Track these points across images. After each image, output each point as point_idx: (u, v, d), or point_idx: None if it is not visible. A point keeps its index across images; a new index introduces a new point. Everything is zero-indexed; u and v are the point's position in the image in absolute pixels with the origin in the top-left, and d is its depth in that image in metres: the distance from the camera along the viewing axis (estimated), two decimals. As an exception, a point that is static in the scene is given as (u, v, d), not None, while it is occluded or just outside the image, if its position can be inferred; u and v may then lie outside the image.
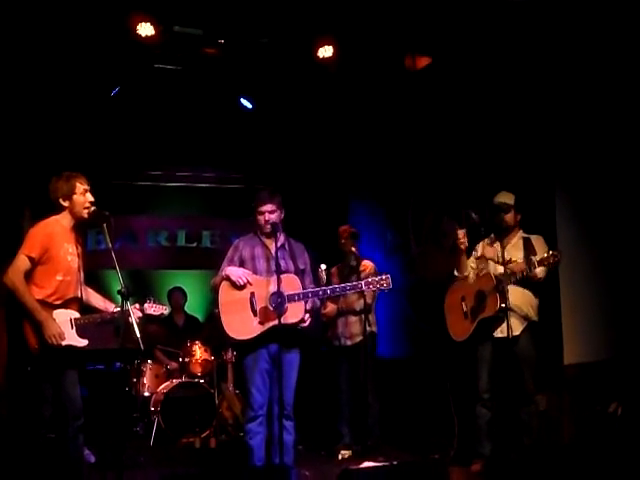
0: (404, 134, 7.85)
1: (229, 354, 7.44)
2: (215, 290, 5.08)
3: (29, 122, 7.43)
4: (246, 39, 6.83)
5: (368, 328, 6.33)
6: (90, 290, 4.96)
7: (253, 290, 4.97)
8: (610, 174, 5.80)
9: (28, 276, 4.53)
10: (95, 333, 4.76)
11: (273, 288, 4.87)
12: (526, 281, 5.27)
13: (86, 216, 4.73)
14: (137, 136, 8.36)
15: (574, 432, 5.59)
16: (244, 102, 8.14)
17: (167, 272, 9.39)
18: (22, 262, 4.51)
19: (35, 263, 4.54)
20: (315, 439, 7.03)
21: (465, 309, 5.55)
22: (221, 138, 8.64)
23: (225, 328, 4.96)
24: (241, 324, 4.94)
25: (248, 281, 4.98)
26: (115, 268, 4.57)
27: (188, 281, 8.85)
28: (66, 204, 4.69)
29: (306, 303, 4.98)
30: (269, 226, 5.07)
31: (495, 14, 6.01)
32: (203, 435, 7.20)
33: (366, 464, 5.23)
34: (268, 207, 5.09)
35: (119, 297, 4.56)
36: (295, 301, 4.88)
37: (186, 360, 7.54)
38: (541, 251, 5.23)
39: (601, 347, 5.78)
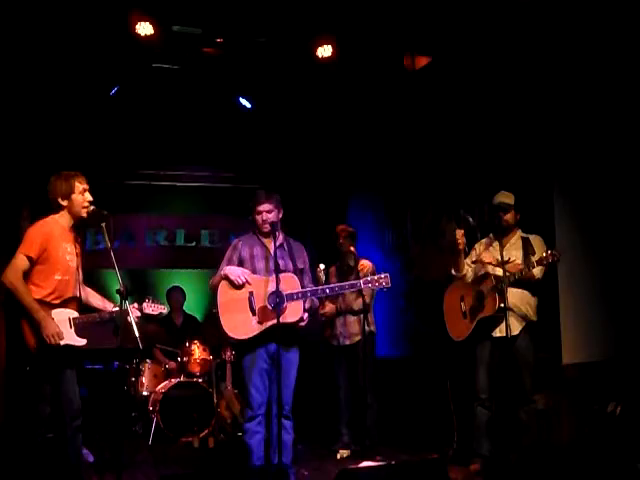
0: (403, 134, 7.84)
1: (228, 353, 7.43)
2: (214, 290, 5.08)
3: (28, 121, 7.43)
4: (245, 38, 6.83)
5: (367, 328, 6.33)
6: (89, 289, 4.96)
7: (252, 289, 4.97)
8: (609, 174, 5.80)
9: (27, 275, 4.52)
10: (94, 332, 4.76)
11: (272, 287, 4.86)
12: (523, 281, 5.27)
13: (85, 215, 4.72)
14: (136, 135, 8.36)
15: (573, 432, 5.59)
16: (243, 101, 8.13)
17: (166, 271, 9.39)
18: (20, 261, 4.51)
19: (33, 262, 4.53)
20: (314, 439, 7.03)
21: (464, 309, 5.55)
22: (220, 137, 8.64)
23: (224, 327, 4.96)
24: (240, 323, 4.94)
25: (247, 280, 4.98)
26: (114, 267, 4.57)
27: (187, 280, 8.85)
28: (65, 203, 4.69)
29: (305, 302, 4.98)
30: (267, 225, 5.07)
31: (494, 14, 6.01)
32: (202, 435, 7.20)
33: (365, 464, 5.22)
34: (266, 207, 5.09)
35: (118, 296, 4.56)
36: (294, 300, 4.88)
37: (185, 359, 7.54)
38: (540, 251, 5.24)
39: (600, 347, 5.78)
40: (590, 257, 5.89)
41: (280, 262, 4.95)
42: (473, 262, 5.61)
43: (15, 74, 6.80)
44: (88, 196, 4.74)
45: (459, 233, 5.47)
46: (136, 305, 4.99)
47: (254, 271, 5.06)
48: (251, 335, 4.93)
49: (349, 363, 6.65)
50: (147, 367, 7.65)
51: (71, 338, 4.59)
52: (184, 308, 8.46)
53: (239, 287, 4.98)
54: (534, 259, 5.16)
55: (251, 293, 4.96)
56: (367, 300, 6.35)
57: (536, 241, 5.41)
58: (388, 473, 4.28)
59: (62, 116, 7.65)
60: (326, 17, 6.46)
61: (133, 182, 8.94)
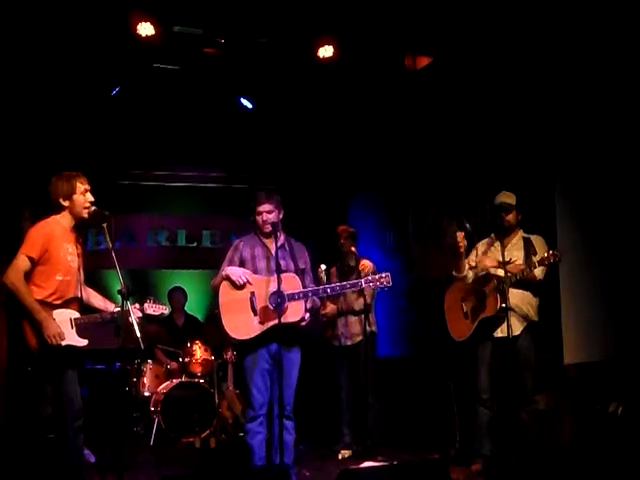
0: (404, 134, 7.84)
1: (229, 354, 7.43)
2: (215, 290, 5.08)
3: (29, 122, 7.43)
4: (246, 39, 6.83)
5: (368, 328, 6.34)
6: (90, 290, 4.96)
7: (253, 290, 4.96)
8: (610, 174, 5.80)
9: (28, 276, 4.52)
10: (95, 333, 4.76)
11: (273, 287, 4.86)
12: (525, 282, 5.27)
13: (86, 216, 4.72)
14: (137, 136, 8.36)
15: (574, 432, 5.59)
16: (244, 102, 8.13)
17: (167, 272, 9.39)
18: (22, 262, 4.51)
19: (35, 263, 4.53)
20: (315, 439, 7.03)
21: (465, 309, 5.55)
22: (221, 138, 8.64)
23: (225, 328, 4.96)
24: (241, 324, 4.94)
25: (248, 281, 4.97)
26: (115, 268, 4.57)
27: (188, 281, 8.85)
28: (66, 204, 4.68)
29: (306, 302, 4.98)
30: (268, 226, 5.07)
31: (495, 14, 6.01)
32: (203, 435, 7.20)
33: (366, 464, 5.23)
34: (266, 207, 5.09)
35: (119, 297, 4.56)
36: (295, 300, 4.88)
37: (186, 360, 7.54)
38: (541, 251, 5.24)
39: (601, 347, 5.77)
40: (591, 257, 5.88)
41: (281, 262, 4.94)
42: (473, 268, 5.60)
43: (16, 75, 6.80)
44: (89, 196, 4.73)
45: (460, 236, 5.47)
46: (137, 305, 4.98)
47: (255, 271, 5.06)
48: (253, 335, 4.93)
49: (350, 363, 6.65)
50: (148, 367, 7.65)
51: (72, 339, 4.59)
52: (185, 308, 8.46)
53: (240, 287, 4.97)
54: (535, 259, 5.16)
55: (252, 293, 4.96)
56: (368, 300, 6.36)
57: (537, 241, 5.41)
58: (390, 473, 4.28)
59: (64, 116, 7.66)
60: (327, 17, 6.46)
61: (134, 182, 8.95)
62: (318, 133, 8.65)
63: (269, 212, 5.09)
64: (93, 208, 4.72)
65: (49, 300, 4.56)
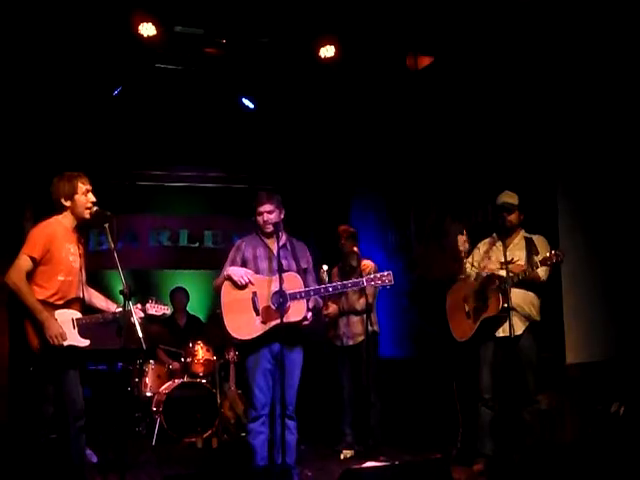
0: (406, 134, 7.84)
1: (231, 354, 7.44)
2: (217, 291, 5.08)
3: (31, 122, 7.44)
4: (247, 39, 6.83)
5: (370, 328, 6.34)
6: (92, 290, 4.96)
7: (255, 290, 4.96)
8: (612, 175, 5.80)
9: (30, 276, 4.52)
10: (97, 333, 4.76)
11: (275, 287, 4.86)
12: (528, 283, 5.26)
13: (88, 216, 4.72)
14: (138, 136, 8.36)
15: (576, 432, 5.59)
16: (246, 102, 8.14)
17: (169, 272, 9.39)
18: (24, 262, 4.51)
19: (37, 263, 4.53)
20: (317, 439, 7.03)
21: (467, 309, 5.55)
22: (223, 138, 8.64)
23: (227, 328, 4.96)
24: (243, 324, 4.94)
25: (250, 281, 4.97)
26: (117, 268, 4.56)
27: (190, 281, 8.86)
28: (68, 204, 4.68)
29: (308, 301, 4.98)
30: (270, 226, 5.06)
31: (497, 14, 6.00)
32: (205, 435, 7.20)
33: (368, 464, 5.22)
34: (266, 207, 5.09)
35: (121, 297, 4.55)
36: (297, 299, 4.88)
37: (188, 360, 7.54)
38: (543, 251, 5.23)
39: (603, 347, 5.77)
40: (593, 257, 5.88)
41: (283, 262, 4.94)
42: (475, 267, 5.60)
43: (18, 75, 6.81)
44: (91, 197, 4.73)
45: (461, 240, 5.48)
46: (139, 306, 4.98)
47: (257, 272, 5.05)
48: (255, 335, 4.92)
49: (352, 363, 6.65)
50: (150, 368, 7.65)
51: (74, 339, 4.59)
52: (187, 309, 8.46)
53: (242, 287, 4.97)
54: (537, 259, 5.16)
55: (254, 293, 4.96)
56: (370, 300, 6.37)
57: (540, 241, 5.41)
58: (392, 473, 4.27)
59: (65, 117, 7.66)
60: (329, 17, 6.46)
61: (136, 183, 8.95)
62: (319, 133, 8.65)
63: (270, 212, 5.09)
64: (95, 208, 4.72)
65: (51, 300, 4.56)
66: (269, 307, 4.90)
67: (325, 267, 6.29)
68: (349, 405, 6.70)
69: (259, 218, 5.12)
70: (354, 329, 6.61)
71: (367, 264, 6.52)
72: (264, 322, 4.91)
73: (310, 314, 5.00)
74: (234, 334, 4.96)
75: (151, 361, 7.69)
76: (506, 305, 5.15)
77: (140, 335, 4.55)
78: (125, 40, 6.60)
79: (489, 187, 6.19)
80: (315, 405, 7.19)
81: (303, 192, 8.95)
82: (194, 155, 8.85)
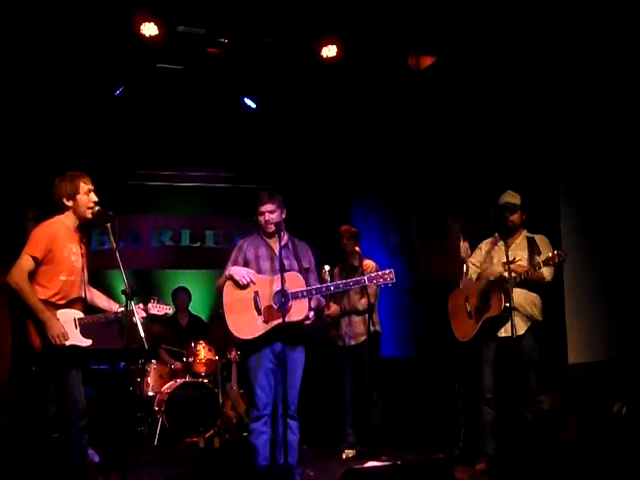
0: (407, 134, 7.84)
1: (233, 354, 7.44)
2: (219, 290, 5.08)
3: (33, 122, 7.44)
4: (250, 39, 6.83)
5: (372, 328, 6.33)
6: (94, 290, 4.97)
7: (257, 289, 4.97)
8: (614, 175, 5.79)
9: (32, 276, 4.53)
10: (99, 333, 4.76)
11: (277, 287, 4.86)
12: (531, 283, 5.26)
13: (90, 216, 4.73)
14: (140, 136, 8.37)
15: (578, 432, 5.58)
16: (248, 102, 8.14)
17: (171, 272, 9.40)
18: (26, 262, 4.51)
19: (39, 263, 4.54)
20: (319, 439, 7.03)
21: (469, 309, 5.54)
22: (225, 138, 8.64)
23: (230, 328, 4.96)
24: (245, 323, 4.94)
25: (251, 280, 4.97)
26: (119, 268, 4.57)
27: (192, 281, 8.86)
28: (70, 204, 4.69)
29: (310, 300, 4.98)
30: (272, 226, 5.06)
31: (499, 14, 6.00)
32: (207, 435, 7.20)
33: (370, 464, 5.23)
34: (268, 207, 5.09)
35: (123, 297, 4.55)
36: (299, 298, 4.88)
37: (190, 360, 7.55)
38: (546, 251, 5.23)
39: (605, 347, 5.77)
40: (595, 257, 5.88)
41: (285, 262, 4.94)
42: (476, 266, 5.60)
43: (20, 75, 6.81)
44: (93, 197, 4.74)
45: (463, 247, 5.49)
46: (141, 305, 4.99)
47: (259, 271, 5.05)
48: (257, 335, 4.93)
49: (354, 363, 6.65)
50: (152, 367, 7.65)
51: (76, 338, 4.60)
52: (189, 308, 8.47)
53: (244, 287, 4.98)
54: (540, 259, 5.15)
55: (256, 293, 4.96)
56: (371, 300, 6.36)
57: (542, 241, 5.41)
58: (393, 473, 4.27)
59: (67, 116, 7.67)
60: (331, 17, 6.46)
61: (138, 182, 8.95)
62: (321, 133, 8.65)
63: (271, 212, 5.09)
64: (97, 208, 4.73)
65: (53, 300, 4.56)
66: (271, 307, 4.90)
67: (327, 267, 6.28)
68: (351, 405, 6.70)
69: (261, 218, 5.12)
70: (356, 329, 6.61)
71: (369, 264, 6.53)
72: (266, 322, 4.92)
73: (312, 313, 5.00)
74: (236, 334, 4.96)
75: (153, 361, 7.70)
76: (508, 305, 5.14)
77: (142, 335, 4.55)
78: (127, 40, 6.60)
79: (491, 187, 6.19)
80: (317, 405, 7.18)
81: (305, 192, 8.95)
82: (195, 155, 8.84)
